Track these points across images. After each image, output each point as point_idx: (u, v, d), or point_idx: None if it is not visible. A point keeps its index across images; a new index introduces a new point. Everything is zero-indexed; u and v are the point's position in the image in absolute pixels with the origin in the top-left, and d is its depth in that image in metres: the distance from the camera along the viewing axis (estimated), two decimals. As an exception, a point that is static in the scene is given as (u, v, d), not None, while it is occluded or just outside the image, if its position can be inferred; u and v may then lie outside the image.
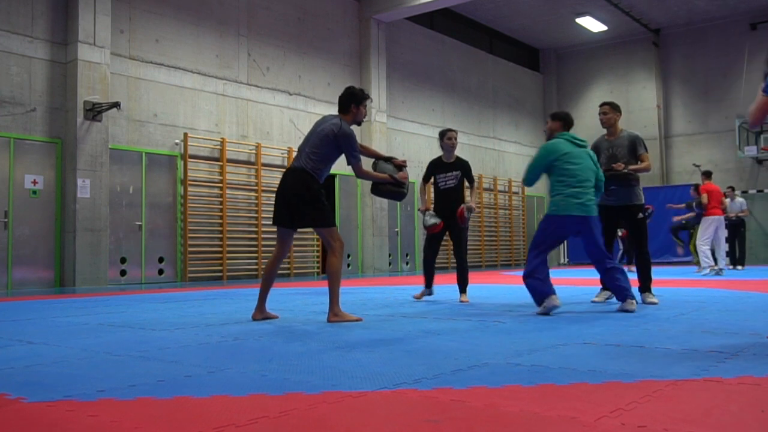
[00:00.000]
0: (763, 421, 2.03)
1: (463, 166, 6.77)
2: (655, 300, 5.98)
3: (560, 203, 5.26)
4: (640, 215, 6.15)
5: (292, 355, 3.33)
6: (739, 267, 14.03)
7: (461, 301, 6.52)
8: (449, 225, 6.68)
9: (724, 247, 12.22)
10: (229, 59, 12.88)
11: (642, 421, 2.00)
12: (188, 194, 11.87)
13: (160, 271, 11.60)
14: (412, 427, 1.99)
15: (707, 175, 12.05)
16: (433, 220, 6.60)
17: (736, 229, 13.91)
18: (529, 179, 5.53)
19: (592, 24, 19.15)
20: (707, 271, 11.58)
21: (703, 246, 11.45)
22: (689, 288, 8.10)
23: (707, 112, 19.53)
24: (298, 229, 5.12)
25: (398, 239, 16.39)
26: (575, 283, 10.00)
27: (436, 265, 7.13)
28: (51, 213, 10.36)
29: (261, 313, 5.06)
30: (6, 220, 9.87)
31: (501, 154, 20.03)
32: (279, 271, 13.38)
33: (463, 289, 6.65)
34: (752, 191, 18.59)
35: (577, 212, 5.24)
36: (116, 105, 10.47)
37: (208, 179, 12.33)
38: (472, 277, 9.58)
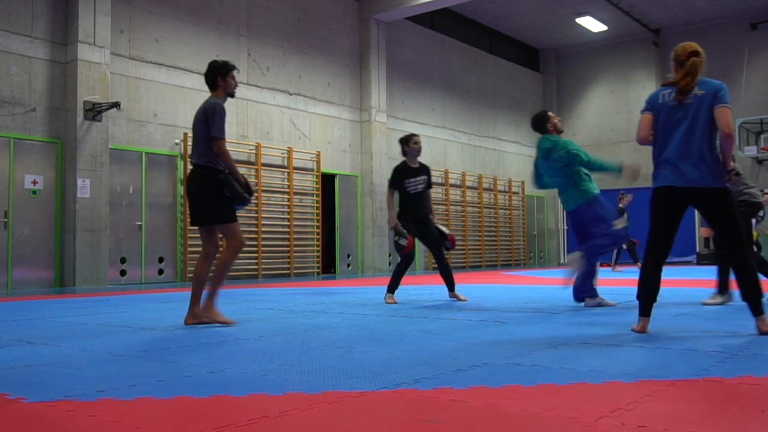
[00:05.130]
0: (763, 421, 2.03)
1: (427, 170, 6.92)
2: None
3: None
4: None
5: (292, 355, 3.33)
6: None
7: (454, 297, 6.72)
8: (420, 231, 6.73)
9: None
10: (229, 59, 12.73)
11: (642, 421, 2.00)
12: (188, 194, 11.85)
13: (160, 271, 11.60)
14: (412, 427, 1.99)
15: None
16: (404, 242, 6.69)
17: None
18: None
19: (592, 24, 19.14)
20: None
21: None
22: (689, 288, 8.10)
23: (707, 112, 19.53)
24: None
25: (398, 239, 16.36)
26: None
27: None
28: (51, 213, 10.36)
29: (193, 318, 4.73)
30: (6, 220, 9.87)
31: (501, 154, 20.03)
32: (280, 271, 13.46)
33: (451, 287, 6.80)
34: (752, 191, 18.57)
35: None
36: (116, 105, 10.47)
37: (208, 179, 12.31)
38: (474, 276, 9.59)
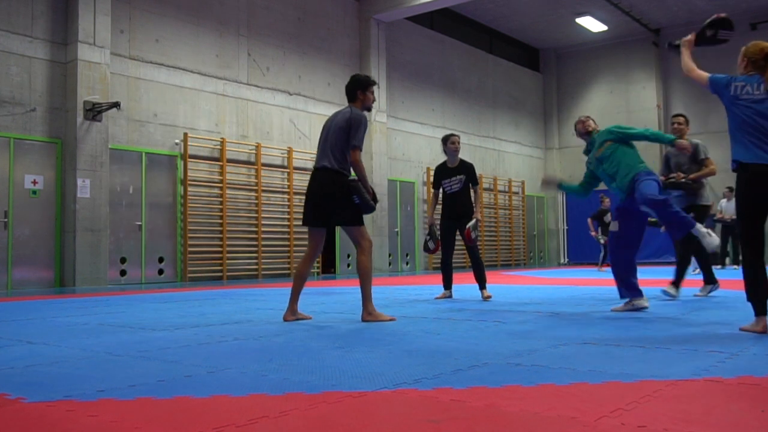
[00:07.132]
0: (763, 421, 2.03)
1: (467, 169, 6.92)
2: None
3: None
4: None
5: (292, 355, 3.33)
6: (735, 266, 14.18)
7: (485, 298, 6.68)
8: (459, 226, 6.89)
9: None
10: (229, 59, 12.87)
11: (642, 421, 2.00)
12: (188, 194, 11.87)
13: (160, 271, 11.60)
14: (412, 427, 1.99)
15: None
16: (431, 244, 6.93)
17: (731, 229, 14.26)
18: None
19: (592, 24, 19.15)
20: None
21: None
22: (689, 288, 8.09)
23: (707, 112, 19.52)
24: (309, 228, 5.13)
25: (398, 239, 16.38)
26: (575, 283, 10.00)
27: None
28: (51, 213, 10.36)
29: (293, 315, 5.06)
30: (6, 220, 9.87)
31: (501, 154, 20.03)
32: (280, 271, 13.46)
33: (482, 285, 6.85)
34: (752, 191, 18.58)
35: None
36: (116, 105, 10.47)
37: (208, 179, 12.33)
38: (474, 277, 9.53)
